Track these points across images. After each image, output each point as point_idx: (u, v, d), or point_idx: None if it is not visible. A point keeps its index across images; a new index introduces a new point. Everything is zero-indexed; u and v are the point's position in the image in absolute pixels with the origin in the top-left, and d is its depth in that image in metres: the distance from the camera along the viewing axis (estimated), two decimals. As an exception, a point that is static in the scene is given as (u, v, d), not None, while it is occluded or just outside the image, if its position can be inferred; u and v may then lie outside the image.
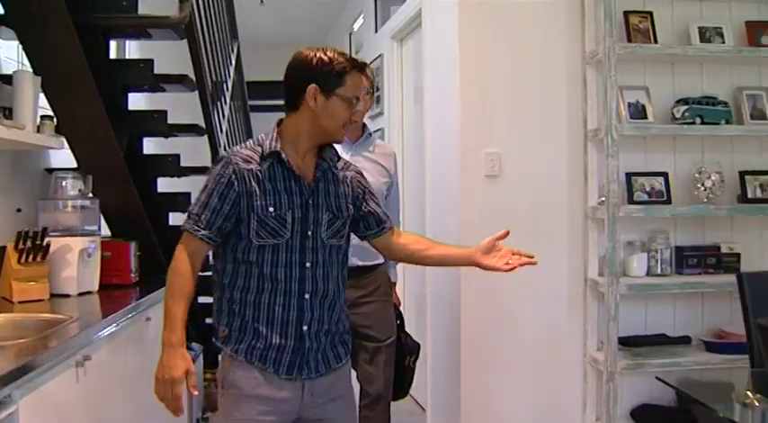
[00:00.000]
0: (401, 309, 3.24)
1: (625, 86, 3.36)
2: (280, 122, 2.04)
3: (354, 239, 2.22)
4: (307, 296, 1.97)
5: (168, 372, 1.87)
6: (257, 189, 1.92)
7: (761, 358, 2.42)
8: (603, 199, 3.19)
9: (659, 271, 3.34)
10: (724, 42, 3.46)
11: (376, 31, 5.26)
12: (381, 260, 2.92)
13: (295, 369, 1.97)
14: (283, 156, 1.95)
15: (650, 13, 3.43)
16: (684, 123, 3.31)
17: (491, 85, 3.37)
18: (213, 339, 2.07)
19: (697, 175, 3.34)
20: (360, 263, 2.82)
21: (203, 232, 1.93)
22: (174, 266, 1.95)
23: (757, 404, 1.88)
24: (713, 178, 3.31)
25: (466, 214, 3.33)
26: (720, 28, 3.49)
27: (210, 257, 2.12)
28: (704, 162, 3.40)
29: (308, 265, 1.97)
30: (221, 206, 1.92)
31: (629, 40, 3.35)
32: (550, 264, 3.38)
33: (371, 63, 5.19)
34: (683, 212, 3.31)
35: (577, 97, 3.41)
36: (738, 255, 3.42)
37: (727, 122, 3.38)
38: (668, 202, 3.33)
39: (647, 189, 3.34)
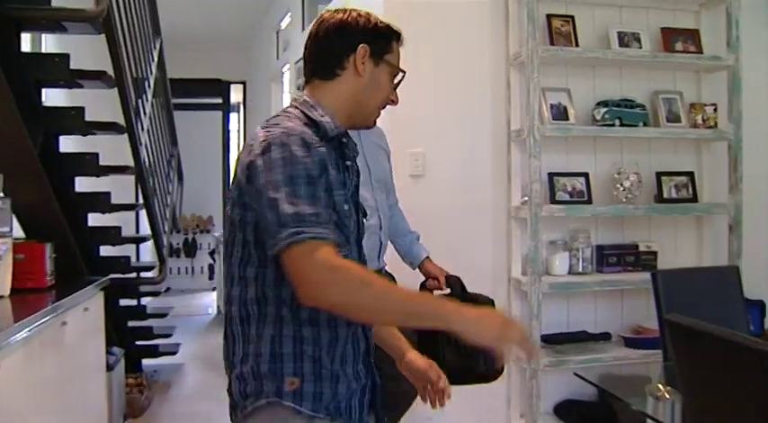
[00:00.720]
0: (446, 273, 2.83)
1: (547, 88, 3.42)
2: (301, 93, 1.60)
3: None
4: None
5: (498, 316, 1.37)
6: (334, 178, 1.46)
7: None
8: (526, 199, 3.25)
9: (581, 269, 3.41)
10: (641, 47, 3.56)
11: (303, 30, 5.22)
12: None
13: (377, 410, 1.57)
14: (344, 139, 1.55)
15: (572, 17, 3.51)
16: (604, 125, 3.39)
17: (415, 84, 3.34)
18: (267, 395, 1.44)
19: (616, 176, 3.43)
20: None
21: (334, 236, 1.37)
22: (366, 274, 1.37)
23: (668, 396, 1.95)
24: (631, 179, 3.41)
25: (392, 214, 3.34)
26: (638, 33, 3.60)
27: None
28: (623, 163, 3.50)
29: None
30: (329, 198, 1.42)
31: (552, 43, 3.41)
32: (474, 263, 3.43)
33: (298, 63, 5.16)
34: (603, 212, 3.40)
35: (501, 98, 3.46)
36: (655, 253, 3.54)
37: (645, 125, 3.48)
38: (589, 201, 3.41)
39: (569, 189, 3.41)
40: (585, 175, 3.45)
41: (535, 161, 3.18)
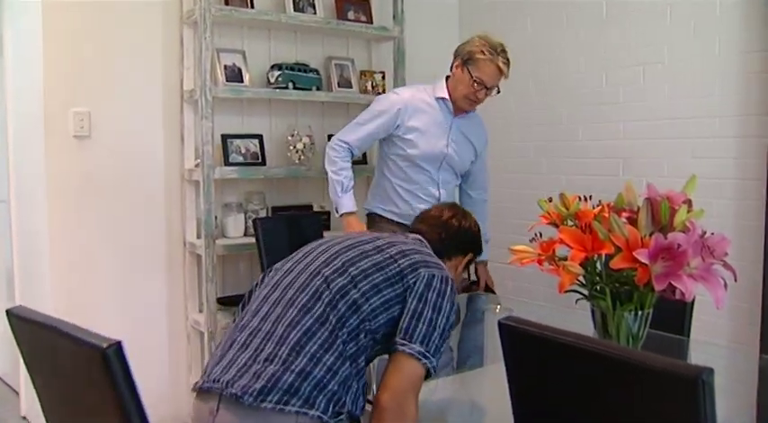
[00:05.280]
0: (494, 289, 3.25)
1: (222, 49, 3.37)
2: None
3: None
4: None
5: None
6: None
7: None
8: (199, 161, 3.19)
9: (256, 231, 3.44)
10: (316, 13, 3.64)
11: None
12: None
13: None
14: None
15: (248, -21, 3.48)
16: (278, 88, 3.43)
17: (80, 40, 3.10)
18: (317, 408, 1.50)
19: (290, 138, 3.50)
20: None
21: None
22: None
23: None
24: (304, 141, 3.50)
25: (53, 178, 3.06)
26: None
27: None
28: (297, 126, 3.58)
29: None
30: None
31: (227, 3, 3.35)
32: (148, 229, 3.31)
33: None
34: (277, 174, 3.44)
35: (174, 57, 3.33)
36: (329, 212, 3.69)
37: (318, 89, 3.59)
38: (263, 163, 3.44)
39: (243, 151, 3.41)
40: (260, 138, 3.47)
41: (207, 123, 3.12)
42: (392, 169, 3.08)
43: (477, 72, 2.88)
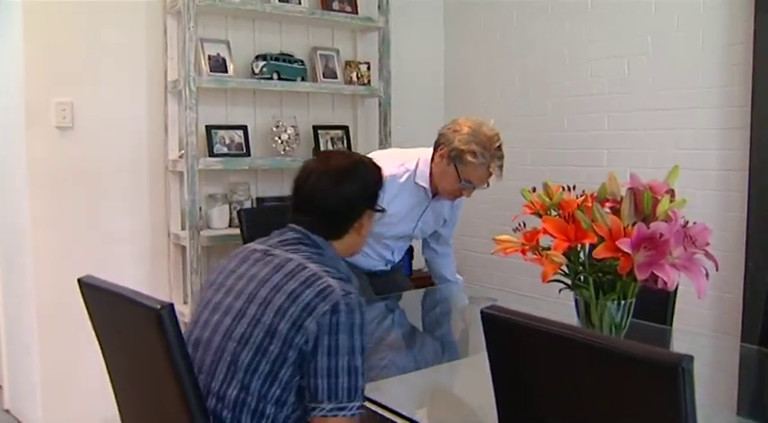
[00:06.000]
0: None
1: (206, 39, 3.35)
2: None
3: None
4: None
5: None
6: None
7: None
8: (183, 152, 3.17)
9: (241, 222, 3.43)
10: (300, 3, 3.63)
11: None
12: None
13: None
14: None
15: (232, -32, 3.45)
16: (263, 78, 3.42)
17: (62, 30, 3.07)
18: None
19: (275, 129, 3.49)
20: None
21: None
22: None
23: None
24: (289, 132, 3.49)
25: (35, 169, 3.03)
26: (298, -11, 3.66)
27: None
28: (282, 116, 3.57)
29: None
30: None
31: (211, -7, 3.33)
32: (132, 220, 3.29)
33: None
34: (262, 164, 3.43)
35: (158, 47, 3.31)
36: (314, 204, 3.67)
37: (303, 79, 3.57)
38: (247, 154, 3.43)
39: (227, 142, 3.39)
40: (244, 128, 3.45)
41: (191, 113, 3.11)
42: None
43: (466, 174, 2.45)
